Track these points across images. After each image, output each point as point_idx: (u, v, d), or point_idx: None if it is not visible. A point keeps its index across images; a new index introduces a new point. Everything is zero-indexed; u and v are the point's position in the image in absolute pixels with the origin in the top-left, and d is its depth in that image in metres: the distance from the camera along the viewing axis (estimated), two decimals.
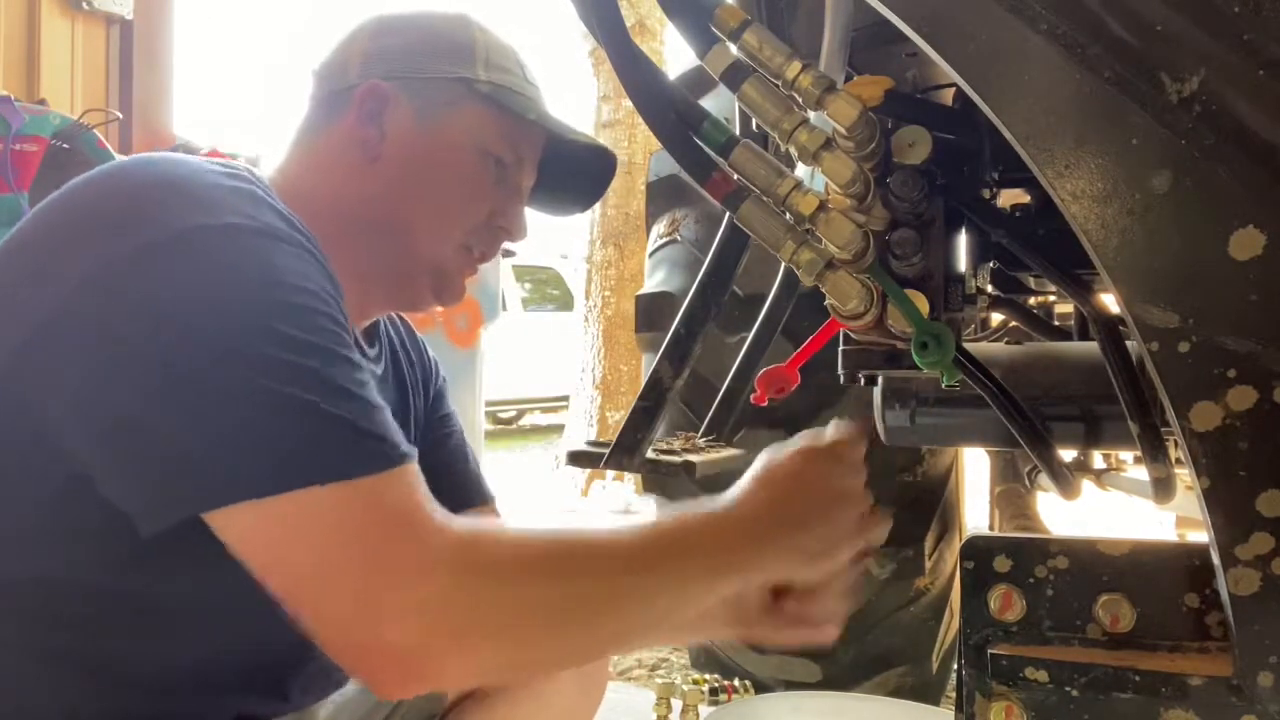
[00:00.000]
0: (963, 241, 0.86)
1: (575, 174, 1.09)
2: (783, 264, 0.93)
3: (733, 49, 0.74)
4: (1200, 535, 0.65)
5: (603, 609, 0.74)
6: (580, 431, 6.44)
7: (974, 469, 2.92)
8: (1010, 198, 0.97)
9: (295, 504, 0.67)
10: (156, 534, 0.70)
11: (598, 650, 0.77)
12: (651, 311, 2.23)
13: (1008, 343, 1.27)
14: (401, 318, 1.18)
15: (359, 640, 0.68)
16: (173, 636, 0.79)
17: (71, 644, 0.76)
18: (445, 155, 0.97)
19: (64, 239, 0.75)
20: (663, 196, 2.39)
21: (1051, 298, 1.60)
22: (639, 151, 6.14)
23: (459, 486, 1.16)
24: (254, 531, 0.68)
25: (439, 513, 0.71)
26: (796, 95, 0.72)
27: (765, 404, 1.01)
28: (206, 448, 0.68)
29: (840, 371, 0.92)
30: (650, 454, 1.33)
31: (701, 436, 1.46)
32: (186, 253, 0.72)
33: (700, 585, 0.79)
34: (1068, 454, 1.36)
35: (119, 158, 2.67)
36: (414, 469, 0.73)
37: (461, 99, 0.97)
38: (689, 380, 1.35)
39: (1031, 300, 1.38)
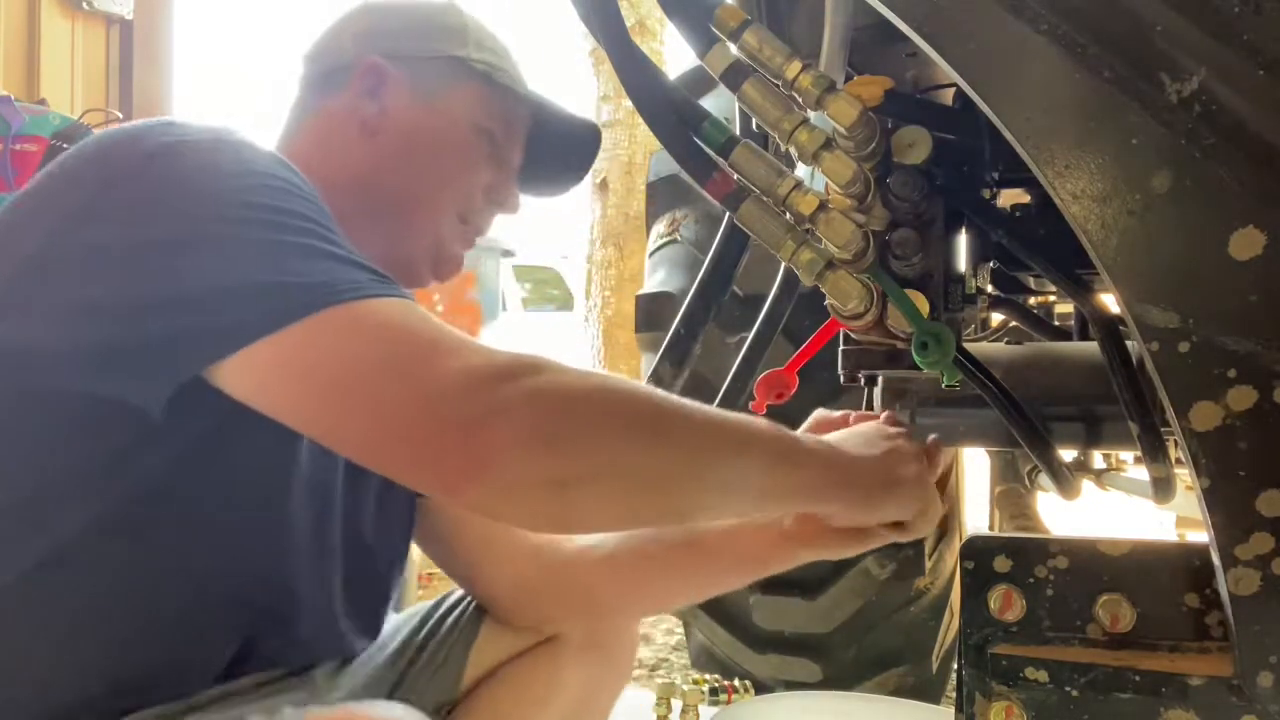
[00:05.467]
0: (963, 241, 0.86)
1: (560, 153, 1.12)
2: (783, 264, 0.93)
3: (733, 49, 0.74)
4: (1200, 535, 0.65)
5: (668, 445, 0.70)
6: None
7: (974, 469, 2.91)
8: (1010, 198, 0.97)
9: (323, 323, 0.66)
10: (169, 423, 0.70)
11: (657, 493, 0.71)
12: (651, 311, 2.22)
13: (1008, 343, 1.26)
14: None
15: (420, 423, 0.64)
16: (177, 559, 0.77)
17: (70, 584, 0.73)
18: (443, 129, 0.99)
19: (61, 181, 0.75)
20: (663, 196, 2.39)
21: (1051, 298, 1.59)
22: (639, 151, 6.13)
23: None
24: (277, 366, 0.66)
25: None
26: (796, 95, 0.72)
27: (764, 411, 1.00)
28: (211, 299, 0.67)
29: (840, 371, 0.92)
30: None
31: None
32: (184, 151, 0.74)
33: (760, 477, 0.76)
34: (1068, 454, 1.36)
35: None
36: None
37: (457, 77, 1.00)
38: (689, 380, 1.35)
39: (1031, 300, 1.37)
